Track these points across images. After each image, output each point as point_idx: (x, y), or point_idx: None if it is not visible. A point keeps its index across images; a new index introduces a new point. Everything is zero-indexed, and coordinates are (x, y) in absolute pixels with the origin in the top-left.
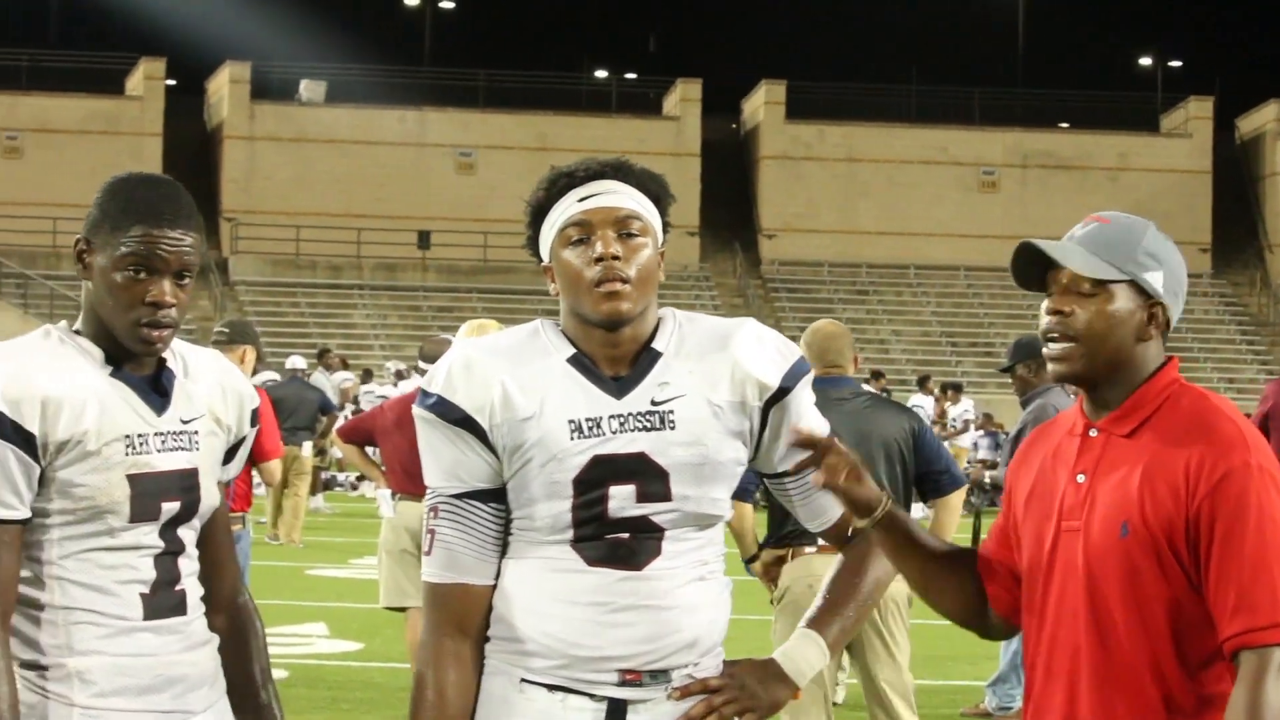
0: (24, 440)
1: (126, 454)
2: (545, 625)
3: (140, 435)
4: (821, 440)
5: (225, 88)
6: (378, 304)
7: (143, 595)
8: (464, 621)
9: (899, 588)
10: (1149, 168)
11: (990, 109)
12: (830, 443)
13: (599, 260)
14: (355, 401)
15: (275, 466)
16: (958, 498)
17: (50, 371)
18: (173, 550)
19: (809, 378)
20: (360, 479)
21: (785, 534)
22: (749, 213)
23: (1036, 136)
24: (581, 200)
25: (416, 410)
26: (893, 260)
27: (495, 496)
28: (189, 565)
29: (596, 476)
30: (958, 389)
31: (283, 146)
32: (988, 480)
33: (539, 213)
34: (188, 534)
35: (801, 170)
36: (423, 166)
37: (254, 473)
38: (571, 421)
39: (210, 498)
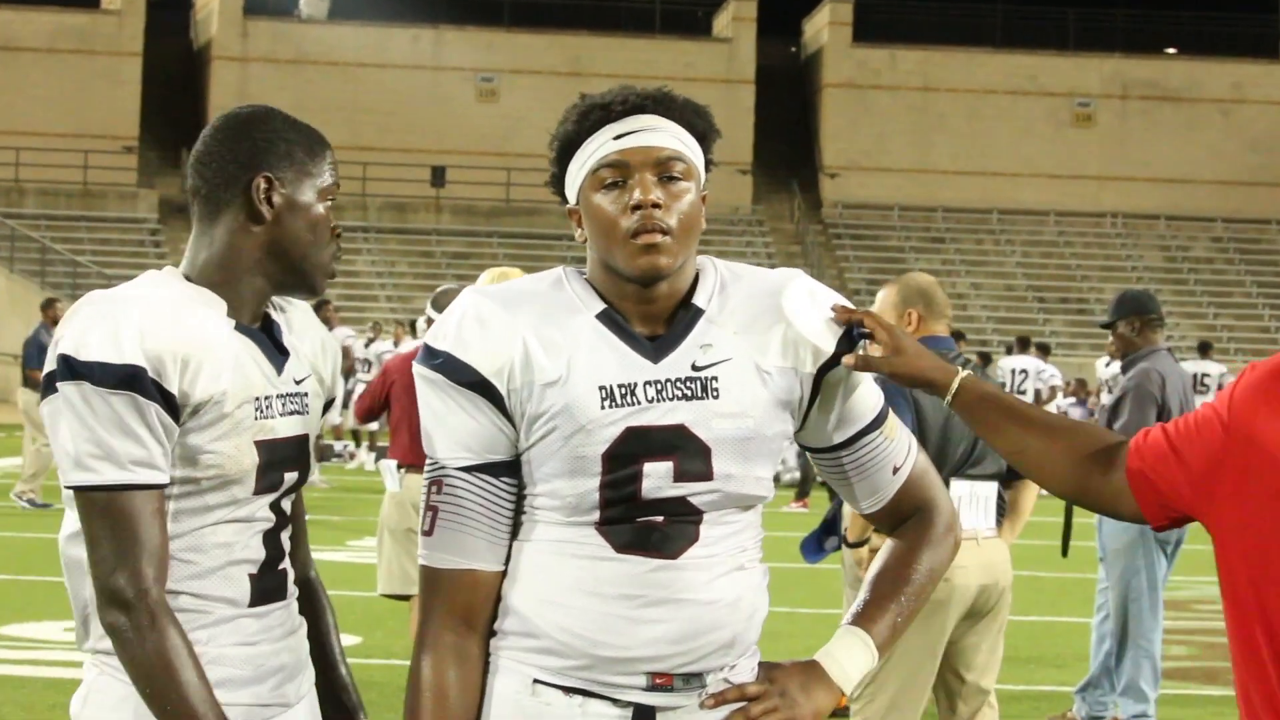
0: (165, 400)
1: (256, 418)
2: (564, 619)
3: (266, 398)
4: (859, 314)
5: (214, 1)
6: (385, 249)
7: (251, 576)
8: (469, 613)
9: (1005, 577)
10: (1269, 99)
11: (1087, 32)
12: (871, 315)
13: (636, 208)
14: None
15: None
16: None
17: (186, 324)
18: (281, 525)
19: (863, 342)
20: (361, 447)
21: None
22: (809, 149)
23: (1139, 64)
24: (618, 138)
25: (419, 370)
26: (972, 204)
27: (509, 470)
28: (288, 543)
29: (629, 451)
30: (1044, 350)
31: (279, 69)
32: None
33: (567, 148)
34: (288, 506)
35: (869, 101)
36: (438, 93)
37: None
38: (603, 388)
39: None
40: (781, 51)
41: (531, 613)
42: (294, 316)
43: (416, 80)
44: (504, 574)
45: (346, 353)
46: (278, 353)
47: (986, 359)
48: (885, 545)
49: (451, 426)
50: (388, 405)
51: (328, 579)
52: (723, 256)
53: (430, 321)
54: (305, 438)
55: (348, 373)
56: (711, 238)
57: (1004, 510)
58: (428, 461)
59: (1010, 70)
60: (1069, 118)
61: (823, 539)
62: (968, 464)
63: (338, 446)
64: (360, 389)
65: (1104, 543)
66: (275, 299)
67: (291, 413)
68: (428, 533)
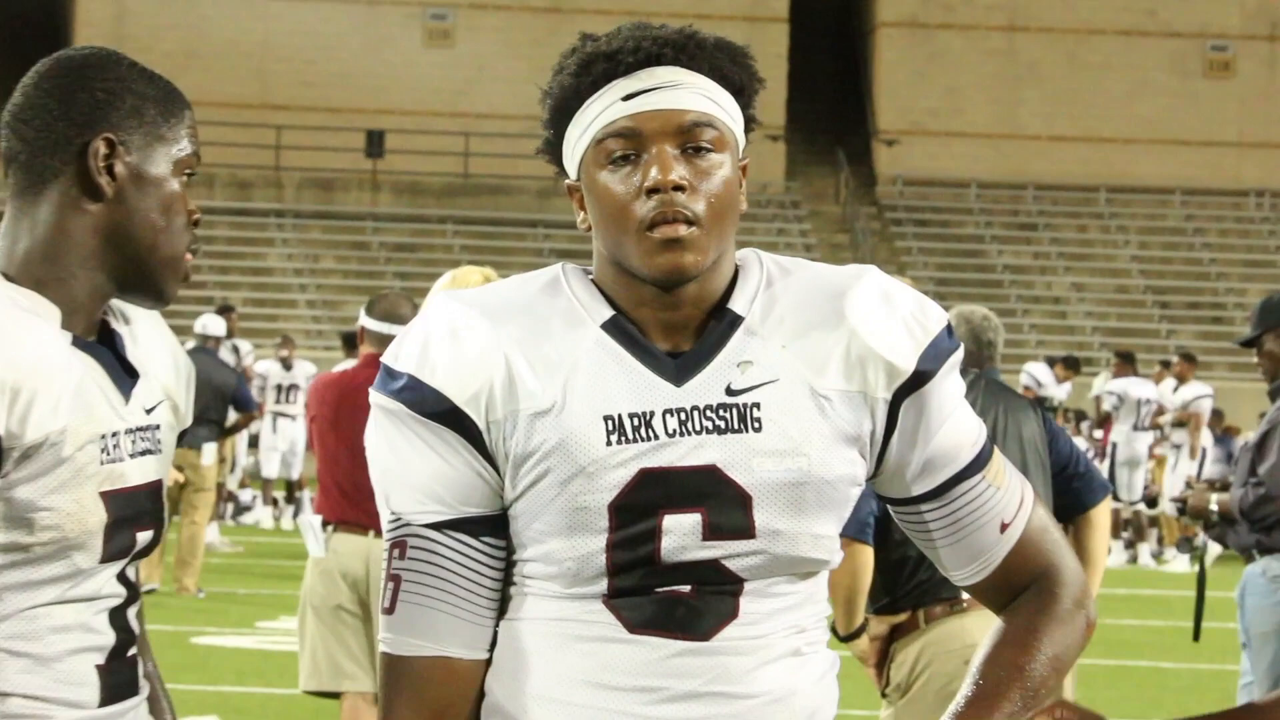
0: None
1: (102, 462)
2: (566, 719)
3: (113, 434)
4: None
5: None
6: (305, 239)
7: (99, 668)
8: (443, 712)
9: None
10: None
11: None
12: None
13: (653, 191)
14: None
15: None
16: (1106, 511)
17: (11, 341)
18: (130, 600)
19: (957, 356)
20: (277, 501)
21: (908, 591)
22: (859, 108)
23: None
24: (628, 98)
25: (376, 399)
26: (1073, 179)
27: (491, 527)
28: (137, 622)
29: (645, 500)
30: (1191, 360)
31: (164, 2)
32: (1214, 507)
33: (564, 108)
34: (133, 574)
35: (938, 44)
36: (374, 35)
37: None
38: (609, 418)
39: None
40: None
41: (523, 712)
42: (138, 325)
43: (346, 18)
44: (487, 663)
45: (247, 375)
46: (124, 374)
47: (1074, 364)
48: (994, 628)
49: (416, 471)
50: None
51: (232, 671)
52: (747, 248)
53: (362, 337)
54: (159, 485)
55: (236, 403)
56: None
57: None
58: (388, 518)
59: (1122, 3)
60: (1200, 66)
61: None
62: None
63: (245, 496)
64: (276, 427)
65: (1248, 625)
66: (114, 302)
67: (143, 452)
68: (389, 610)
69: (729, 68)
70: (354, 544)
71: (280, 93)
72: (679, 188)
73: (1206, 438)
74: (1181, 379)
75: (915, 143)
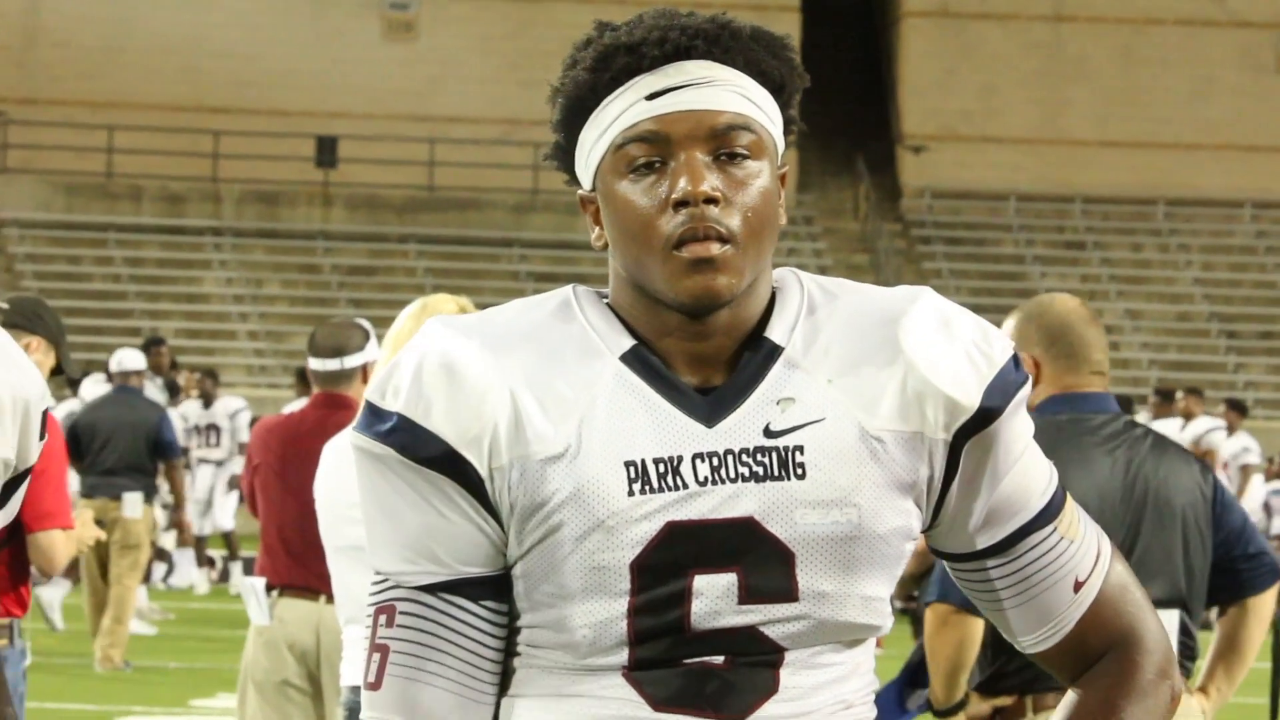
0: None
1: None
2: None
3: None
4: None
5: None
6: (246, 261)
7: None
8: None
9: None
10: None
11: None
12: None
13: (681, 204)
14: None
15: (58, 542)
16: (1272, 598)
17: None
18: None
19: (1025, 391)
20: (213, 561)
21: (1017, 670)
22: (882, 109)
23: None
24: (653, 97)
25: (360, 442)
26: (1128, 191)
27: (494, 590)
28: None
29: (673, 558)
30: (1239, 410)
31: None
32: None
33: (578, 108)
34: None
35: (972, 36)
36: (324, 26)
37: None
38: (631, 464)
39: None
40: None
41: None
42: None
43: (292, 7)
44: None
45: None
46: None
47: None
48: (1067, 701)
49: (408, 525)
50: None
51: None
52: None
53: (304, 378)
54: None
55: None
56: None
57: (1193, 653)
58: (374, 578)
59: None
60: (1272, 60)
61: (905, 695)
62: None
63: (177, 555)
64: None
65: None
66: None
67: None
68: (374, 685)
69: (768, 62)
70: (302, 611)
71: (217, 94)
72: (711, 200)
73: (1259, 486)
74: (1230, 428)
75: (945, 149)
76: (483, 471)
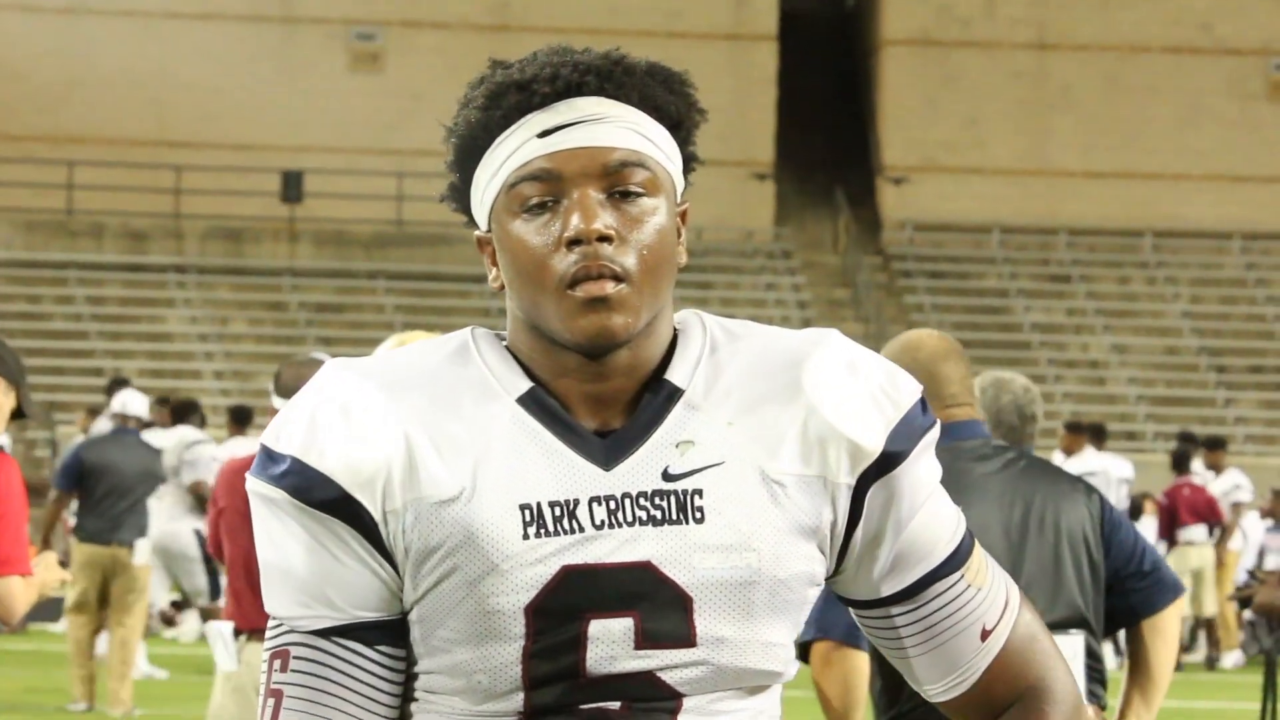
0: None
1: None
2: None
3: None
4: None
5: None
6: (210, 299)
7: None
8: None
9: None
10: None
11: None
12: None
13: (575, 243)
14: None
15: (15, 589)
16: (1175, 617)
17: None
18: None
19: (933, 436)
20: (177, 606)
21: (914, 708)
22: (861, 140)
23: None
24: (545, 135)
25: (254, 485)
26: (1114, 222)
27: (389, 635)
28: None
29: (568, 602)
30: (1219, 447)
31: (43, 19)
32: None
33: (471, 146)
34: None
35: (954, 65)
36: (291, 60)
37: None
38: (526, 507)
39: None
40: None
41: None
42: None
43: (257, 39)
44: None
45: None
46: None
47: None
48: None
49: (301, 569)
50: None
51: None
52: (731, 305)
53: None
54: None
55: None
56: (714, 278)
57: (1101, 676)
58: (269, 623)
59: (1171, 17)
60: (1262, 88)
61: None
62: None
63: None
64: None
65: None
66: None
67: None
68: None
69: (663, 97)
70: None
71: (180, 128)
72: (605, 238)
73: (1255, 524)
74: (1216, 467)
75: (927, 181)
76: (376, 515)
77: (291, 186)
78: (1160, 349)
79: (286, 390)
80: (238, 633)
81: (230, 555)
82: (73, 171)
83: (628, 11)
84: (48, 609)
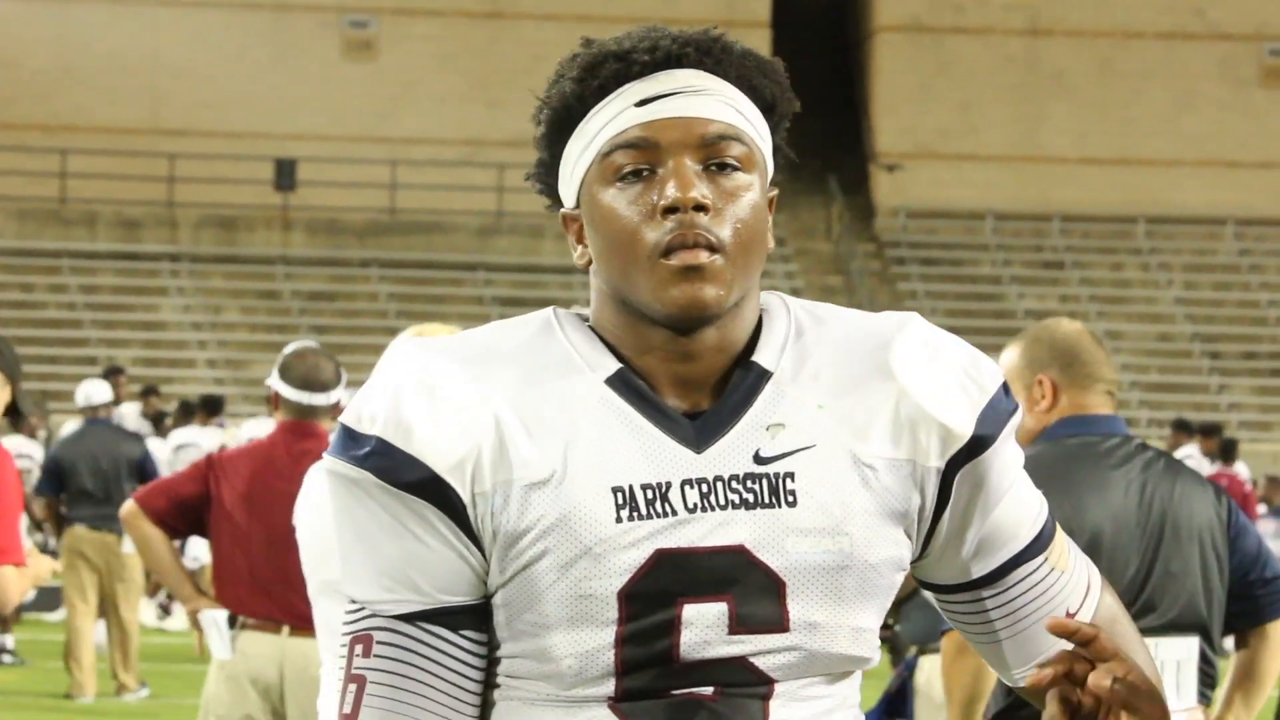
0: None
1: None
2: None
3: None
4: (1081, 629)
5: None
6: (203, 287)
7: None
8: None
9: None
10: None
11: None
12: (1094, 633)
13: (670, 211)
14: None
15: (9, 578)
16: None
17: None
18: None
19: (1016, 420)
20: (170, 596)
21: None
22: (854, 127)
23: None
24: (643, 104)
25: (335, 466)
26: (1108, 208)
27: (475, 619)
28: None
29: (662, 587)
30: (1215, 434)
31: (32, 7)
32: None
33: (564, 119)
34: None
35: (947, 52)
36: (283, 46)
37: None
38: (619, 490)
39: None
40: None
41: None
42: None
43: (250, 27)
44: None
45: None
46: None
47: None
48: None
49: (386, 553)
50: (202, 518)
51: None
52: None
53: (276, 402)
54: None
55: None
56: None
57: (1213, 680)
58: (348, 607)
59: (1165, 2)
60: (1255, 74)
61: None
62: (1162, 612)
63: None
64: None
65: None
66: None
67: None
68: (350, 717)
69: (759, 79)
70: (266, 644)
71: (173, 116)
72: (701, 207)
73: (1259, 512)
74: (1212, 454)
75: (920, 168)
76: (465, 497)
77: (285, 174)
78: (1154, 335)
79: (295, 379)
80: (235, 619)
81: (229, 539)
82: (66, 160)
83: None
84: (45, 599)
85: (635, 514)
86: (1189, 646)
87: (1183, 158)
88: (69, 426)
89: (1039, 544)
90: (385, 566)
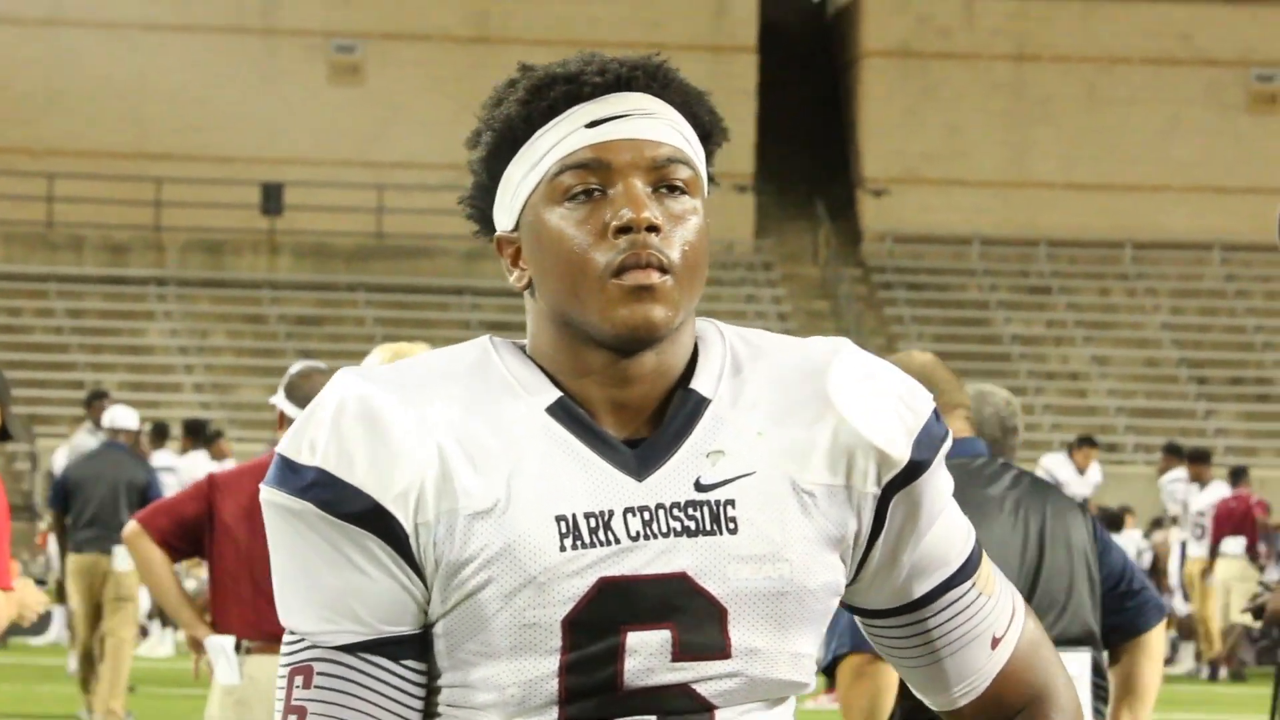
0: None
1: None
2: None
3: None
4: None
5: None
6: (190, 311)
7: None
8: None
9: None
10: None
11: None
12: None
13: (623, 230)
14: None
15: None
16: (1162, 636)
17: None
18: None
19: (948, 445)
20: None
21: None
22: (841, 152)
23: None
24: (593, 125)
25: (275, 497)
26: (1094, 234)
27: (416, 649)
28: None
29: (606, 615)
30: (1204, 460)
31: (24, 31)
32: None
33: (507, 141)
34: None
35: (934, 76)
36: (270, 70)
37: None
38: (562, 519)
39: None
40: (798, 3)
41: None
42: None
43: (237, 51)
44: None
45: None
46: None
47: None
48: None
49: (327, 584)
50: (200, 542)
51: None
52: (711, 316)
53: (282, 422)
54: None
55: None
56: None
57: (1106, 694)
58: (286, 638)
59: (1151, 28)
60: (1242, 99)
61: None
62: (1048, 626)
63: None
64: None
65: None
66: None
67: None
68: None
69: (698, 107)
70: (273, 667)
71: (160, 140)
72: (654, 228)
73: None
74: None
75: (907, 193)
76: (408, 527)
77: (272, 199)
78: (1140, 360)
79: (306, 401)
80: (240, 643)
81: (232, 563)
82: (52, 184)
83: (608, 23)
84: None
85: (579, 543)
86: (1081, 662)
87: (1169, 183)
88: (80, 439)
89: (968, 569)
90: (326, 597)
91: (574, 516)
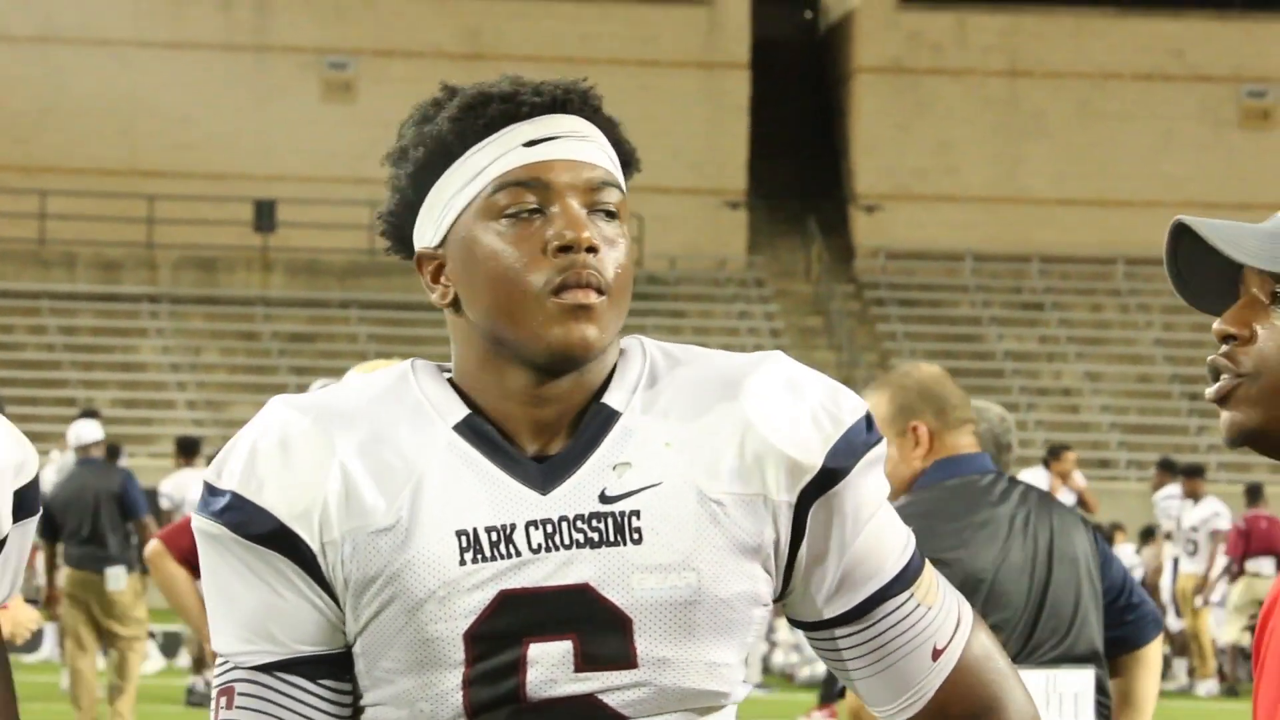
0: None
1: None
2: None
3: None
4: None
5: None
6: (183, 329)
7: None
8: None
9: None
10: None
11: None
12: None
13: (564, 250)
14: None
15: None
16: (1159, 649)
17: None
18: None
19: (878, 453)
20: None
21: None
22: (833, 168)
23: None
24: (531, 144)
25: (198, 522)
26: (1086, 250)
27: (332, 668)
28: None
29: (507, 627)
30: (1198, 475)
31: (16, 49)
32: None
33: (438, 157)
34: None
35: (926, 93)
36: (262, 87)
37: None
38: (462, 534)
39: None
40: (791, 19)
41: None
42: None
43: (229, 68)
44: None
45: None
46: None
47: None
48: None
49: (243, 605)
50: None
51: None
52: (703, 333)
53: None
54: None
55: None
56: (687, 307)
57: (1109, 713)
58: (217, 660)
59: (1143, 44)
60: (1234, 115)
61: None
62: (1055, 644)
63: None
64: None
65: None
66: None
67: None
68: None
69: (618, 134)
70: None
71: (152, 157)
72: (593, 249)
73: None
74: (1194, 495)
75: (900, 209)
76: (314, 546)
77: (264, 216)
78: (1133, 376)
79: None
80: None
81: None
82: (45, 201)
83: (600, 40)
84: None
85: (479, 556)
86: (1085, 678)
87: (1162, 199)
88: (66, 460)
89: (905, 578)
90: (244, 618)
91: (475, 531)
